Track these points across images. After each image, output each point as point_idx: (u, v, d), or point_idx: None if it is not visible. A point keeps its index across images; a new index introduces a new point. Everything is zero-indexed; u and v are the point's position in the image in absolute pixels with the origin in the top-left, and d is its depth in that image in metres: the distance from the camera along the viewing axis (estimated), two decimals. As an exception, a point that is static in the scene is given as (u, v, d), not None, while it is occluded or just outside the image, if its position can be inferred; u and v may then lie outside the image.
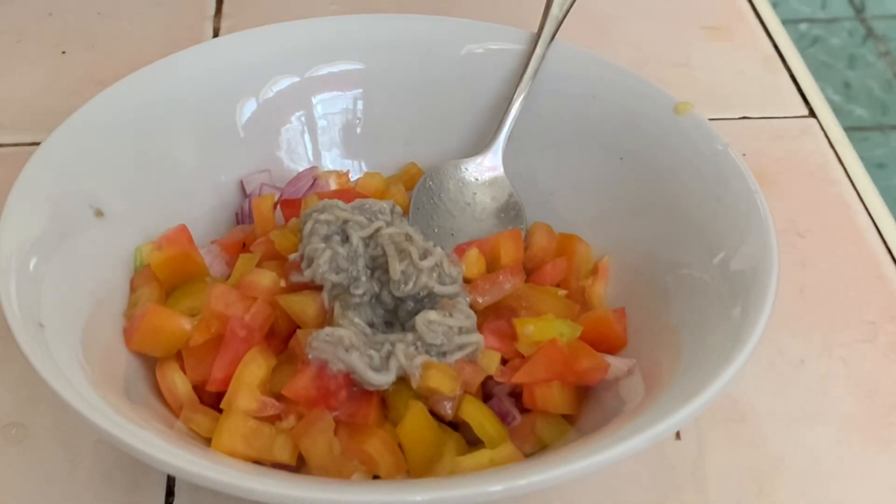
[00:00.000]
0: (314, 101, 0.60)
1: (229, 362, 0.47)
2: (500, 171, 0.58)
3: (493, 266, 0.52)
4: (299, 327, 0.49)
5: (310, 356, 0.46)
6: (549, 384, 0.47)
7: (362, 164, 0.61)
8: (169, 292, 0.52)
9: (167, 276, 0.52)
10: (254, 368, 0.47)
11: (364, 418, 0.46)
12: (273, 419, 0.46)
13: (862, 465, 0.50)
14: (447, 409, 0.47)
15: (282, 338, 0.49)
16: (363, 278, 0.49)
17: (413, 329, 0.48)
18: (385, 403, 0.47)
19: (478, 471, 0.44)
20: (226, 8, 0.76)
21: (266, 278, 0.49)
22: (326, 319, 0.49)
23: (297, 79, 0.60)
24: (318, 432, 0.45)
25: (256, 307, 0.48)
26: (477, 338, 0.48)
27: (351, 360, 0.46)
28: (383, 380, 0.46)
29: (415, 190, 0.58)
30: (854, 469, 0.50)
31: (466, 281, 0.51)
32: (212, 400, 0.48)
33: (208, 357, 0.48)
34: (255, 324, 0.48)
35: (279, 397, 0.47)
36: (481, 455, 0.46)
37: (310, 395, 0.45)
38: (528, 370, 0.48)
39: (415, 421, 0.46)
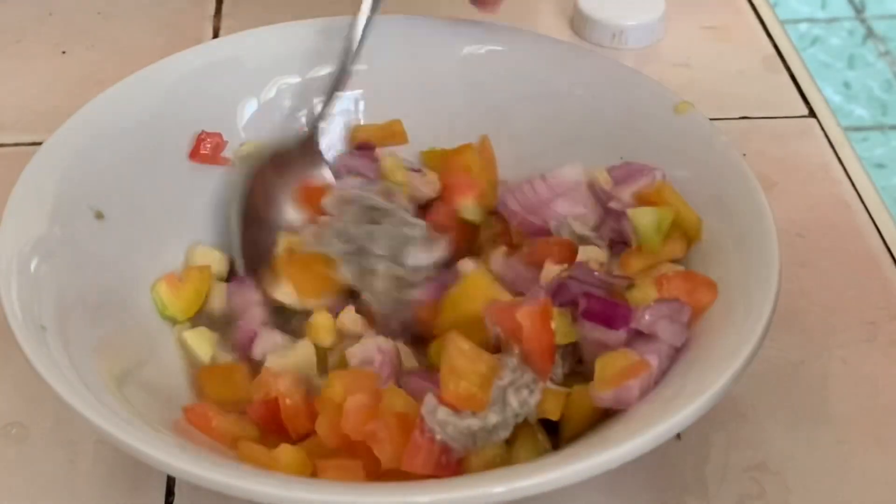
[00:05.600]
0: (315, 101, 0.60)
1: None
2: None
3: None
4: None
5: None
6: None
7: (362, 164, 0.61)
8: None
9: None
10: None
11: None
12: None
13: (862, 465, 0.50)
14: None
15: None
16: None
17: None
18: None
19: None
20: (226, 8, 0.76)
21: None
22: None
23: (297, 79, 0.60)
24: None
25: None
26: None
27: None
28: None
29: None
30: (854, 469, 0.50)
31: None
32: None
33: None
34: None
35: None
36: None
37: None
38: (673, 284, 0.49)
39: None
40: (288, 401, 0.47)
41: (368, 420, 0.45)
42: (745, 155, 0.54)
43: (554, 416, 0.46)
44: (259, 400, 0.48)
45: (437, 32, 0.61)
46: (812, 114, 0.69)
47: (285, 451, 0.45)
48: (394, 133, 0.60)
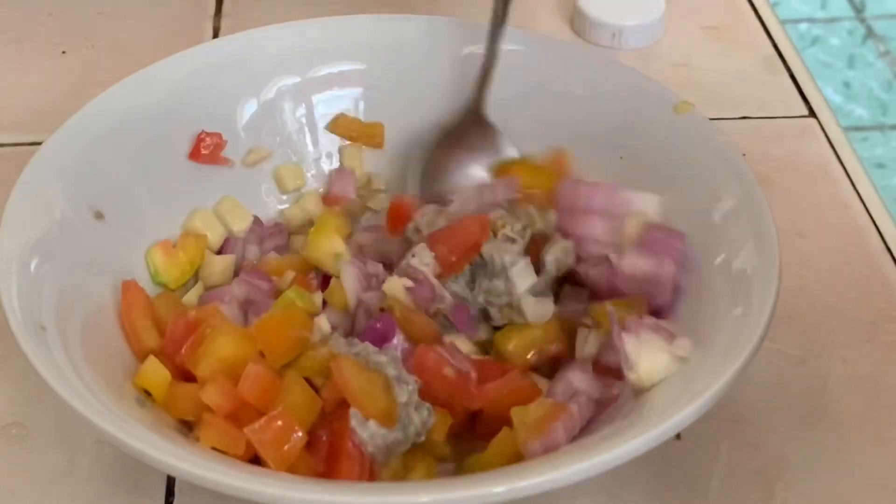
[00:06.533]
0: (315, 101, 0.60)
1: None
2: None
3: None
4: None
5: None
6: None
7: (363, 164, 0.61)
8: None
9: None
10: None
11: None
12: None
13: (862, 465, 0.50)
14: None
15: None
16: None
17: None
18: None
19: None
20: (226, 8, 0.76)
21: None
22: None
23: (297, 79, 0.60)
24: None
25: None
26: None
27: None
28: None
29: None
30: (854, 469, 0.50)
31: None
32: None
33: None
34: None
35: None
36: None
37: None
38: None
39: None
40: (191, 315, 0.49)
41: (265, 391, 0.46)
42: (744, 155, 0.54)
43: (439, 437, 0.47)
44: (181, 317, 0.49)
45: (437, 32, 0.61)
46: (812, 114, 0.69)
47: (151, 363, 0.47)
48: (372, 135, 0.60)
